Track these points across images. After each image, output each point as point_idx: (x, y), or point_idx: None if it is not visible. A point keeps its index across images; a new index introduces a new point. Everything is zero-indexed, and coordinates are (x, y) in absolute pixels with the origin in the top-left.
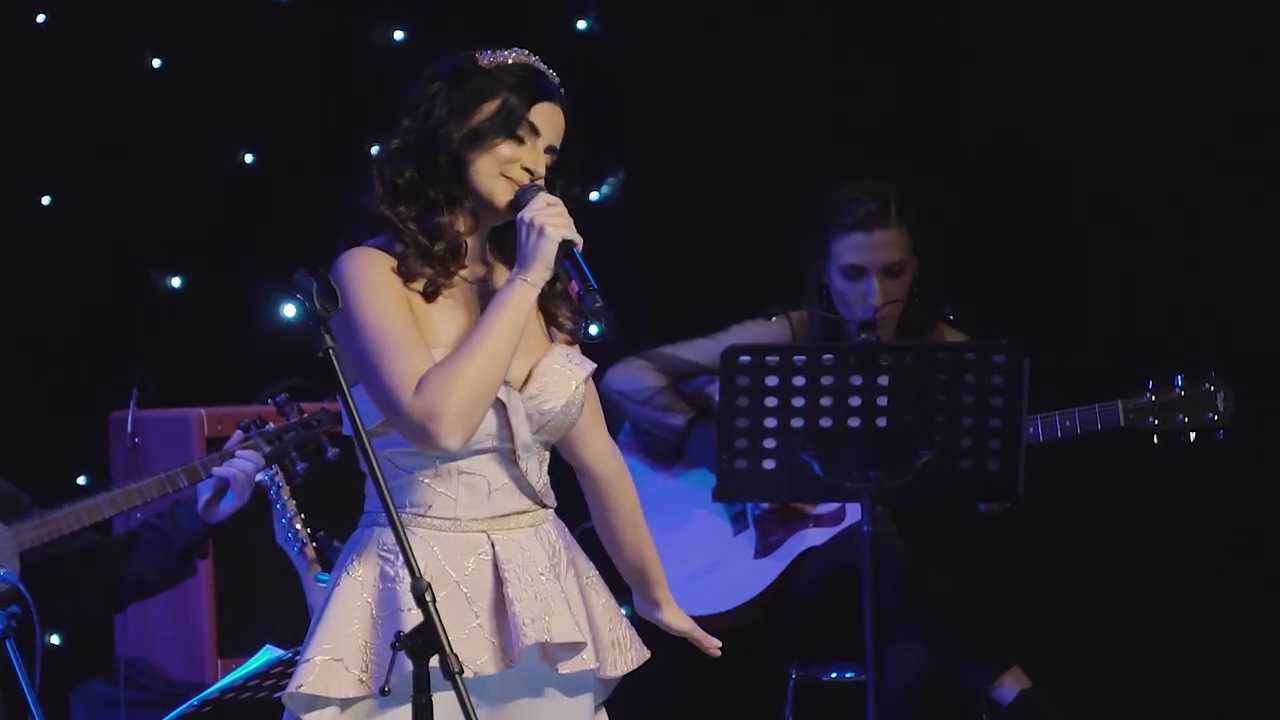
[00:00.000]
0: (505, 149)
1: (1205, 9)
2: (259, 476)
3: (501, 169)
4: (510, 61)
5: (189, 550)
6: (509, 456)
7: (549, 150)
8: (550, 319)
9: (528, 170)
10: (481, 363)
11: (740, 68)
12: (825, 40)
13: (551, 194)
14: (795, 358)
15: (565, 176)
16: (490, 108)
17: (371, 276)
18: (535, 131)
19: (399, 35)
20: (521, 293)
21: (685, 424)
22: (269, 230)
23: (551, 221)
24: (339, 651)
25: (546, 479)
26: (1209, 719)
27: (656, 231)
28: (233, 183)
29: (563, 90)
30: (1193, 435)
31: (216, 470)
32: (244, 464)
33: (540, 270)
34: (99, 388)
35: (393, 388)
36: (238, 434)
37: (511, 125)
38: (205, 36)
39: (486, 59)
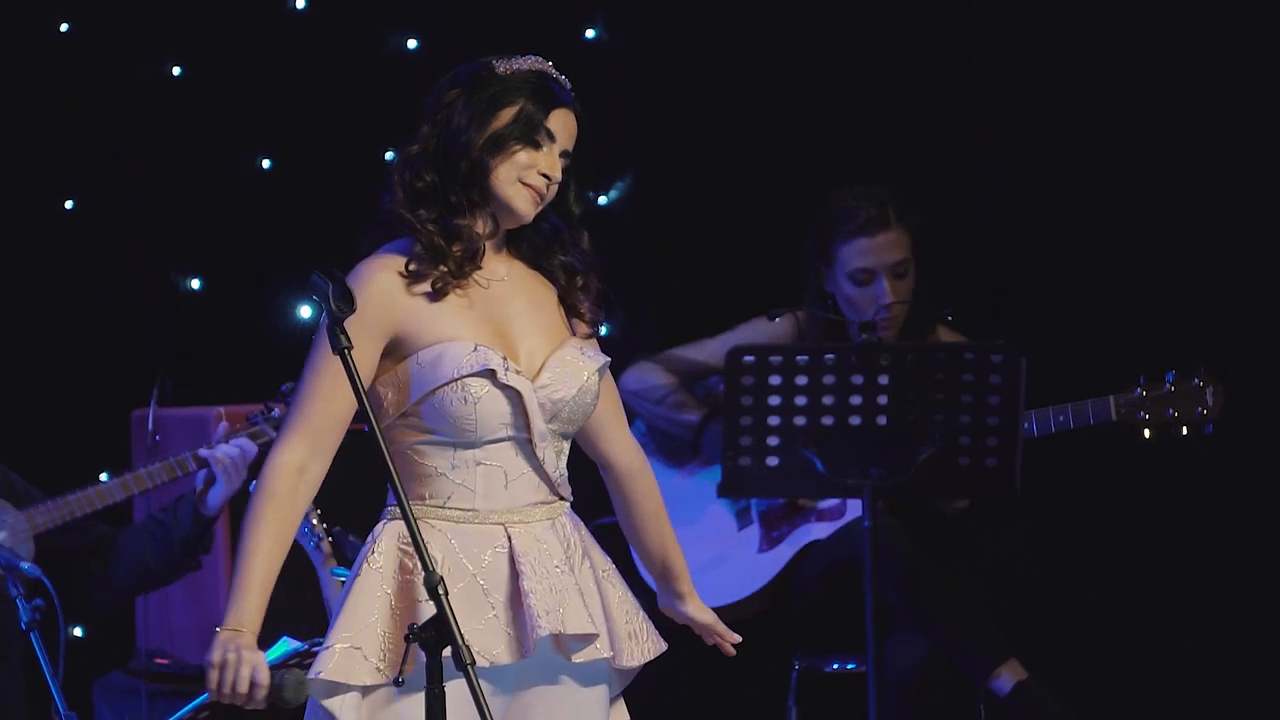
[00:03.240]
0: (523, 156)
1: (1198, 13)
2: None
3: (519, 175)
4: (526, 68)
5: (188, 542)
6: (526, 446)
7: (564, 155)
8: (571, 310)
9: (544, 175)
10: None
11: (747, 72)
12: (832, 44)
13: (564, 198)
14: (798, 357)
15: (578, 181)
16: (508, 114)
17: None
18: (552, 137)
19: (412, 43)
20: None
21: (700, 420)
22: (285, 234)
23: (212, 679)
24: (358, 640)
25: (564, 471)
26: (1204, 711)
27: (665, 234)
28: (250, 187)
29: (574, 96)
30: (1183, 429)
31: (202, 452)
32: (229, 449)
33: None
34: (121, 387)
35: (290, 432)
36: (223, 425)
37: (530, 132)
38: (223, 45)
39: (503, 66)
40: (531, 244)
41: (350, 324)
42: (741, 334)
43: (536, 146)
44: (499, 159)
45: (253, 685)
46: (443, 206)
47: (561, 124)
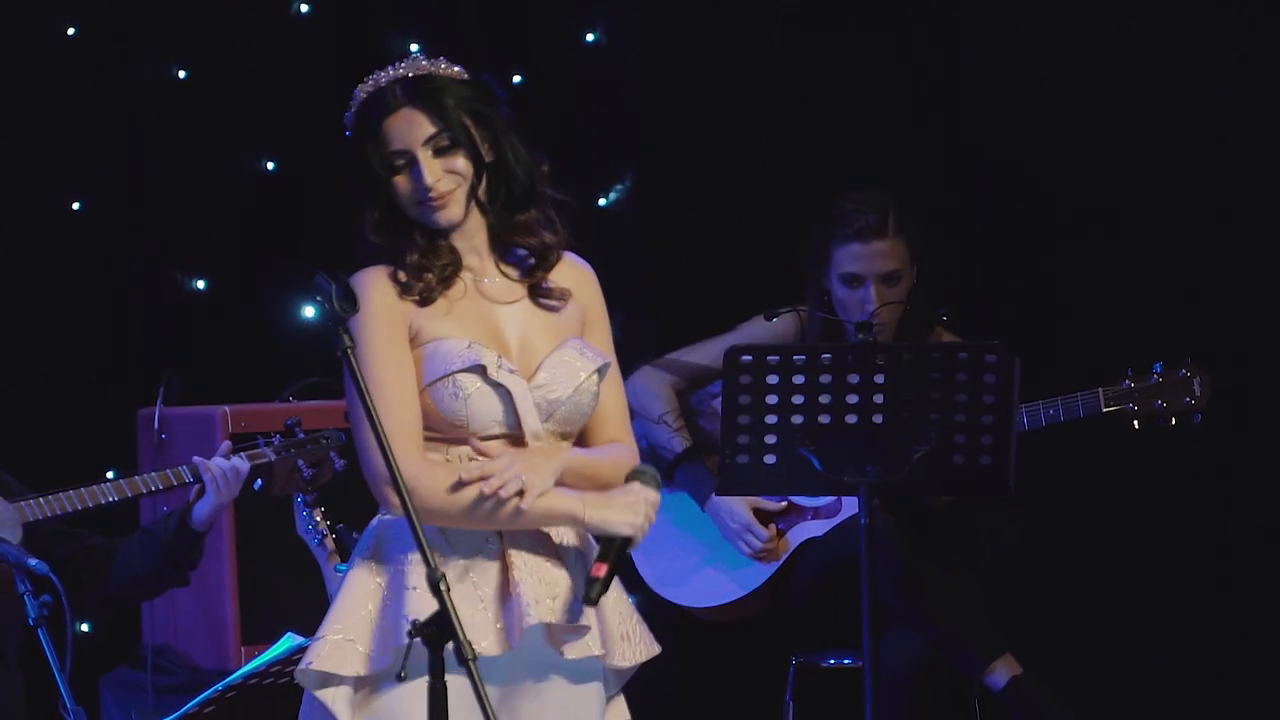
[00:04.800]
0: (398, 187)
1: (1197, 13)
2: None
3: (408, 204)
4: (354, 110)
5: (175, 555)
6: (519, 444)
7: (431, 141)
8: (539, 292)
9: (422, 187)
10: (468, 517)
11: (747, 72)
12: (831, 44)
13: (502, 165)
14: (795, 357)
15: (493, 138)
16: (364, 165)
17: (369, 313)
18: (401, 154)
19: (414, 47)
20: (564, 511)
21: (677, 455)
22: (290, 235)
23: (644, 514)
24: (350, 632)
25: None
26: (1198, 704)
27: (665, 234)
28: (255, 189)
29: (402, 80)
30: (1172, 420)
31: (196, 460)
32: (222, 463)
33: (599, 527)
34: (127, 386)
35: (396, 442)
36: (225, 444)
37: (381, 170)
38: (228, 49)
39: (347, 121)
40: (504, 241)
41: (378, 332)
42: (742, 333)
43: (395, 172)
44: (396, 208)
45: None
46: (401, 246)
47: (398, 131)
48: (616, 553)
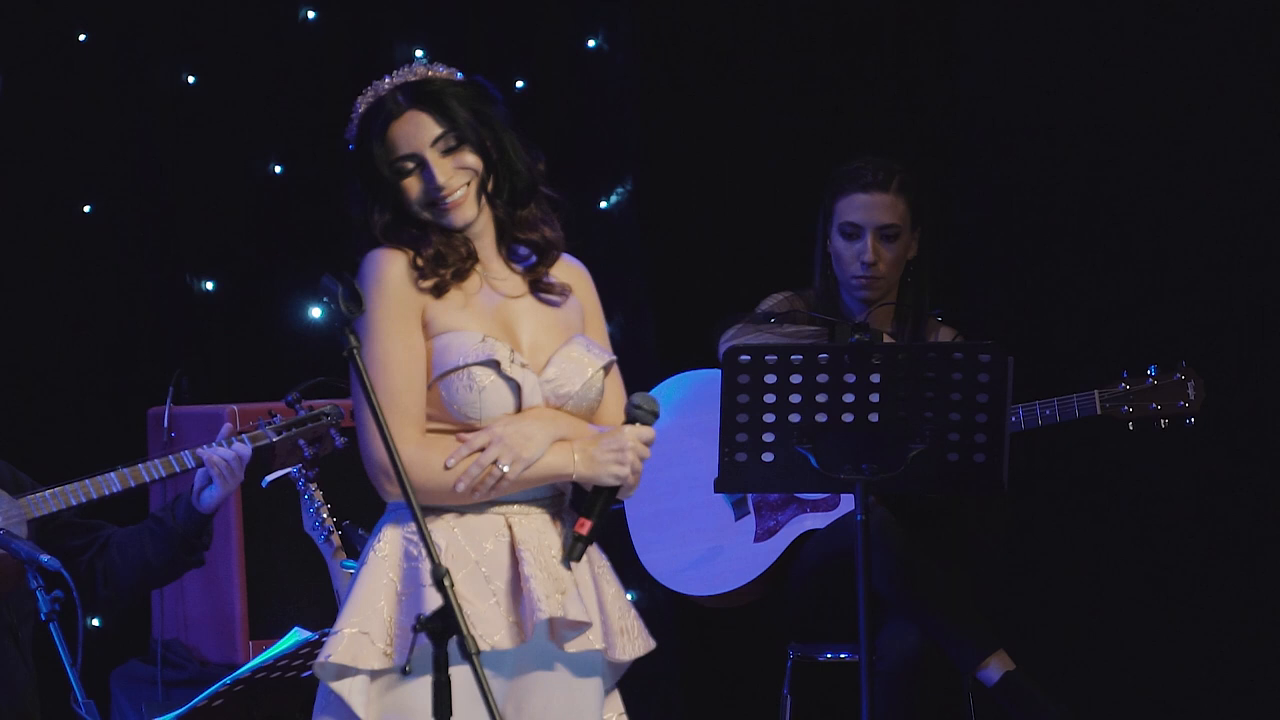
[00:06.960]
0: (409, 189)
1: (1191, 14)
2: (290, 469)
3: (419, 205)
4: (358, 118)
5: (187, 539)
6: None
7: (439, 141)
8: (539, 287)
9: (435, 187)
10: (463, 493)
11: (745, 75)
12: (828, 51)
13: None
14: (793, 357)
15: (494, 136)
16: (374, 170)
17: (383, 293)
18: (411, 157)
19: (419, 53)
20: (555, 471)
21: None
22: (297, 237)
23: (630, 463)
24: (366, 625)
25: None
26: (1194, 701)
27: (665, 236)
28: (263, 192)
29: (408, 85)
30: (1164, 422)
31: (200, 452)
32: (225, 452)
33: (588, 481)
34: (138, 385)
35: (398, 427)
36: (226, 427)
37: (392, 173)
38: (237, 54)
39: (350, 133)
40: (500, 236)
41: (389, 312)
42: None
43: (404, 175)
44: (406, 211)
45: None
46: (416, 240)
47: (405, 134)
48: (603, 505)
